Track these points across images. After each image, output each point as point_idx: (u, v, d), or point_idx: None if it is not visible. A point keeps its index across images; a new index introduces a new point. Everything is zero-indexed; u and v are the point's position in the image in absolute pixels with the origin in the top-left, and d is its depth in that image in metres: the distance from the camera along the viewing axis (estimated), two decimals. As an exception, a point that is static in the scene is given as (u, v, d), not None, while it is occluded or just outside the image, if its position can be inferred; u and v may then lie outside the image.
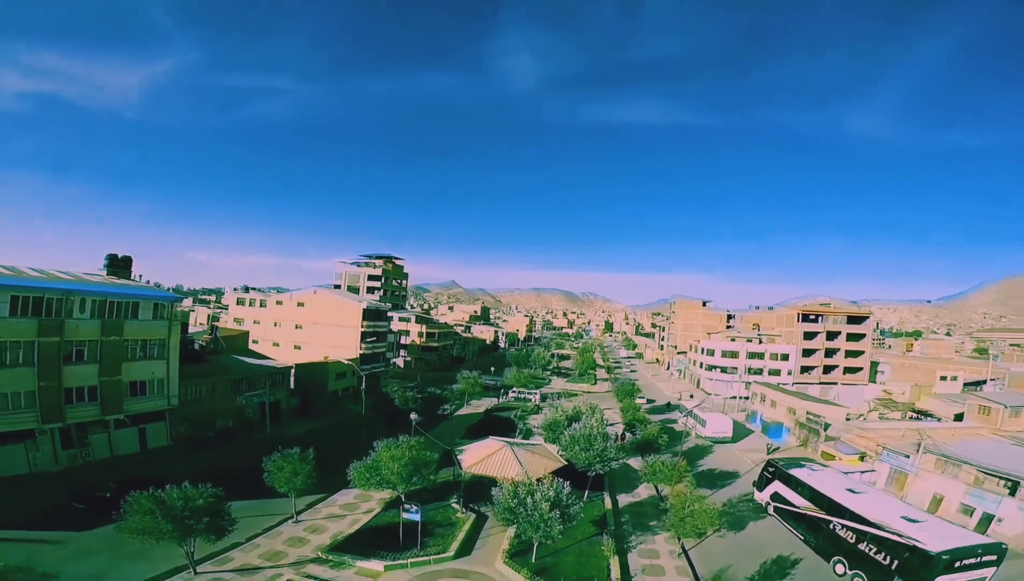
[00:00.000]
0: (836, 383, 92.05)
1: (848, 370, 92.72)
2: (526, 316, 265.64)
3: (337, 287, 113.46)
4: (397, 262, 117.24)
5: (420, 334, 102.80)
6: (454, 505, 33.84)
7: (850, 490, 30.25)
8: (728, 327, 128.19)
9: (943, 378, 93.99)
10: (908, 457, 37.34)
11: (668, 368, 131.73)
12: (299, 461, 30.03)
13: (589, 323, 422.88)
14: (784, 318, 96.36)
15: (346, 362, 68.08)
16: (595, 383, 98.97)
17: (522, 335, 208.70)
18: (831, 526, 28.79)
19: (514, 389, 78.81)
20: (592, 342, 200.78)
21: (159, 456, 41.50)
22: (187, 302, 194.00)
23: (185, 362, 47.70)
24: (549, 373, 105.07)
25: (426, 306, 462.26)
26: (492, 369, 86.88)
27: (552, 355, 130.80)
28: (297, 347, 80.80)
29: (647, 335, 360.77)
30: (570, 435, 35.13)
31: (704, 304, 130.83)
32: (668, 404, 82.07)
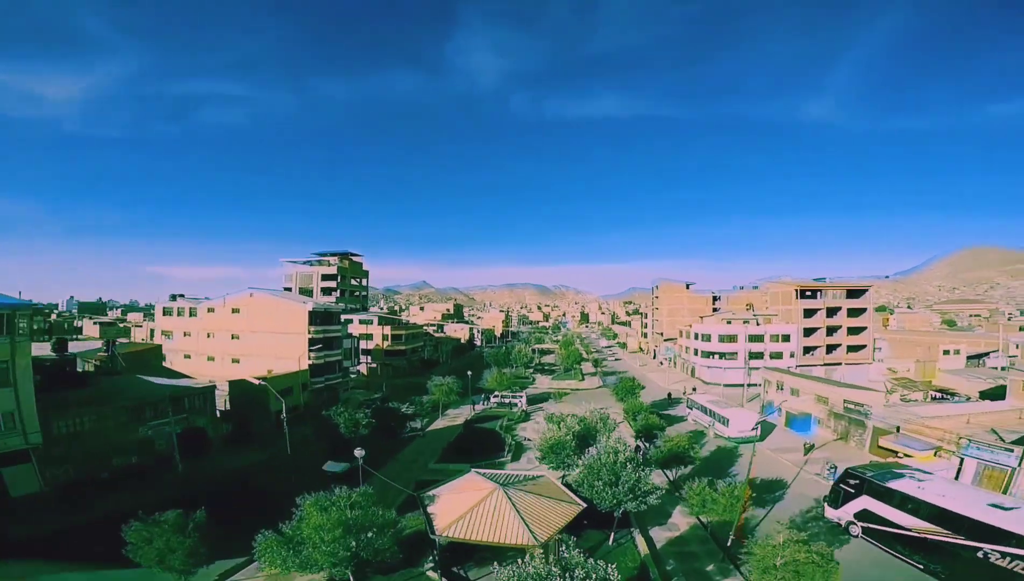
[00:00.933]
0: (840, 363, 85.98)
1: (851, 348, 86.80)
2: (501, 311, 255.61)
3: (288, 290, 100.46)
4: (355, 258, 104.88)
5: (385, 337, 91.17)
6: (429, 574, 23.72)
7: (996, 505, 21.76)
8: (715, 310, 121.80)
9: (946, 352, 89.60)
10: (1011, 451, 29.29)
11: (655, 357, 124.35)
12: (174, 532, 19.27)
13: (564, 315, 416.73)
14: (780, 295, 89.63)
15: (292, 375, 56.34)
16: (583, 379, 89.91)
17: (499, 332, 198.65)
18: (981, 554, 20.30)
19: (496, 393, 68.61)
20: (571, 334, 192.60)
21: (27, 507, 31.24)
22: (135, 317, 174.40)
23: (56, 387, 35.58)
24: (532, 371, 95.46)
25: (397, 308, 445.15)
26: (469, 372, 76.33)
27: (533, 351, 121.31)
28: (235, 361, 68.41)
29: (624, 324, 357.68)
30: (587, 465, 25.28)
31: (688, 287, 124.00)
32: (669, 397, 73.81)
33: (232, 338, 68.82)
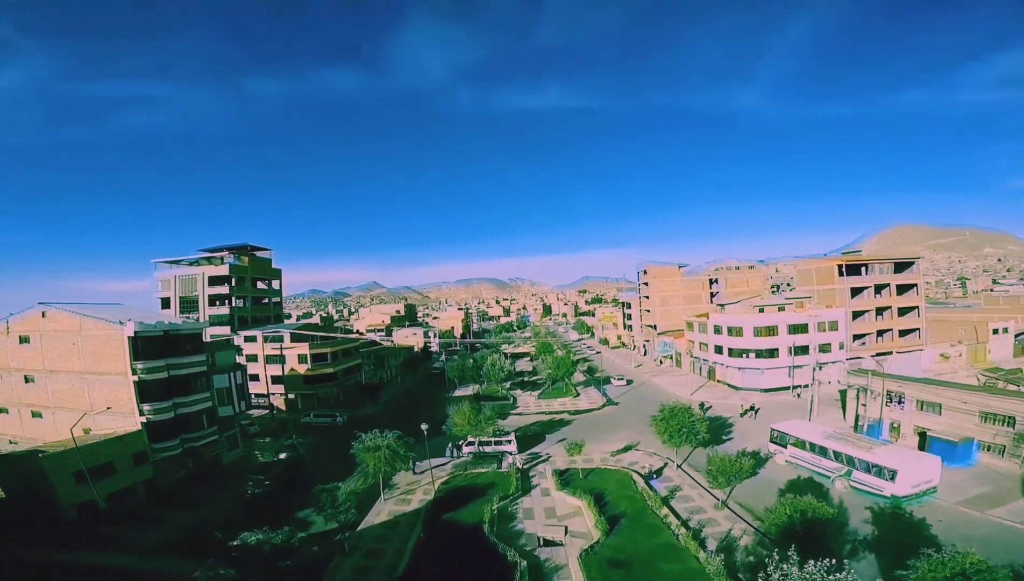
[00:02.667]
0: (891, 352, 69.43)
1: (902, 333, 70.49)
2: (460, 309, 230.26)
3: (165, 304, 72.29)
4: (259, 254, 77.65)
5: (302, 358, 65.42)
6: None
7: None
8: (713, 296, 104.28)
9: (995, 331, 75.46)
10: None
11: (645, 354, 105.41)
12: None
13: (525, 309, 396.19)
14: (816, 274, 71.81)
15: (109, 442, 31.00)
16: (576, 394, 68.47)
17: (459, 333, 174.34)
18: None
19: (469, 440, 45.58)
20: (541, 331, 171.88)
21: None
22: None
23: None
24: (508, 386, 72.69)
25: (346, 312, 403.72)
26: (424, 427, 52.92)
27: (506, 356, 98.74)
28: (36, 415, 41.95)
29: (587, 314, 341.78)
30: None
31: (681, 269, 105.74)
32: (702, 407, 54.99)
33: (27, 381, 41.79)
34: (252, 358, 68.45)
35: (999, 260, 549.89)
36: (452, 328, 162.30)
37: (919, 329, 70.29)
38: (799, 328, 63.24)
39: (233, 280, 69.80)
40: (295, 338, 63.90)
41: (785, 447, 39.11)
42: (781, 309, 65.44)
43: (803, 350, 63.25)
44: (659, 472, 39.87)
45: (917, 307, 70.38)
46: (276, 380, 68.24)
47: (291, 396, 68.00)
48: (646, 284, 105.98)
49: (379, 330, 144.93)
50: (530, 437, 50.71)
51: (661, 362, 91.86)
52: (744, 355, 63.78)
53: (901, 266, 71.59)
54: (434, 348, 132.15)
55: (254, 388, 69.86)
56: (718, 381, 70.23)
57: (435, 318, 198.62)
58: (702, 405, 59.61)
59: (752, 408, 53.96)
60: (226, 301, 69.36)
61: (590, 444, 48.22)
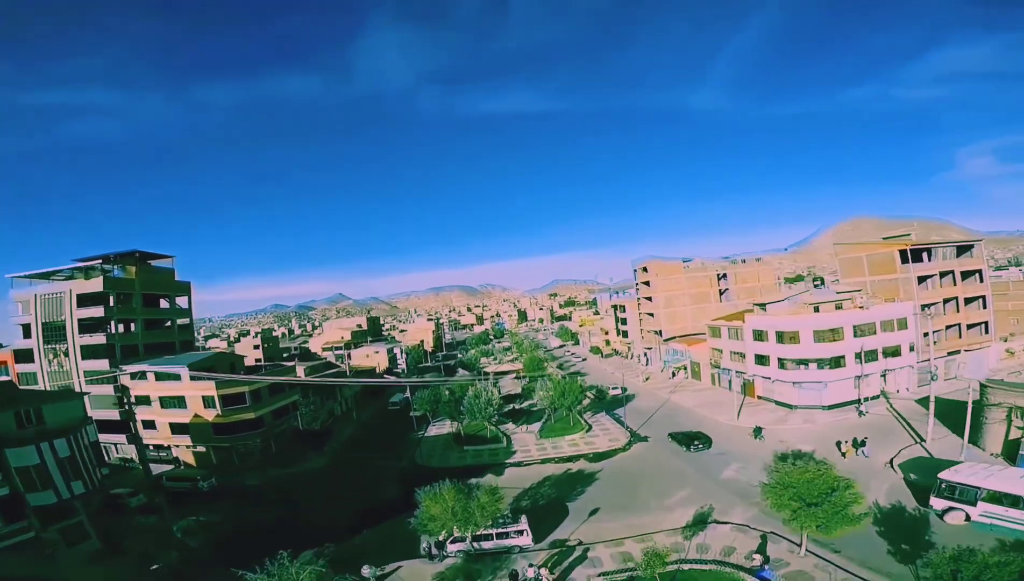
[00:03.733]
0: (959, 351, 57.32)
1: (970, 326, 58.54)
2: (430, 319, 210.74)
3: (27, 332, 52.87)
4: (155, 262, 58.31)
5: (209, 402, 47.05)
6: None
7: None
8: (722, 292, 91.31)
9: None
10: None
11: (648, 364, 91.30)
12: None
13: (500, 316, 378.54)
14: (871, 261, 58.98)
15: None
16: (587, 428, 52.83)
17: (429, 346, 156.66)
18: None
19: (452, 539, 29.05)
20: (522, 339, 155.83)
21: None
22: None
23: None
24: (495, 420, 55.65)
25: (310, 327, 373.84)
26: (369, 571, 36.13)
27: (491, 378, 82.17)
28: None
29: (563, 318, 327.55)
30: None
31: (685, 265, 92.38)
32: (757, 433, 41.26)
33: None
34: (144, 400, 49.78)
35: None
36: (421, 342, 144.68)
37: (987, 322, 58.49)
38: (866, 330, 49.88)
39: (111, 298, 50.52)
40: (196, 376, 45.49)
41: (972, 503, 25.34)
42: (839, 306, 51.99)
43: (872, 356, 49.99)
44: (766, 558, 25.09)
45: (982, 296, 58.61)
46: (179, 429, 49.65)
47: (200, 449, 49.53)
48: (646, 283, 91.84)
49: (337, 348, 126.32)
50: (545, 509, 34.60)
51: (674, 374, 77.57)
52: (802, 366, 49.79)
53: (964, 248, 59.76)
54: (401, 366, 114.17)
55: (151, 438, 51.29)
56: (759, 398, 56.26)
57: (403, 331, 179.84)
58: (757, 431, 45.32)
59: (859, 441, 39.59)
60: (101, 328, 50.08)
61: (638, 515, 32.81)
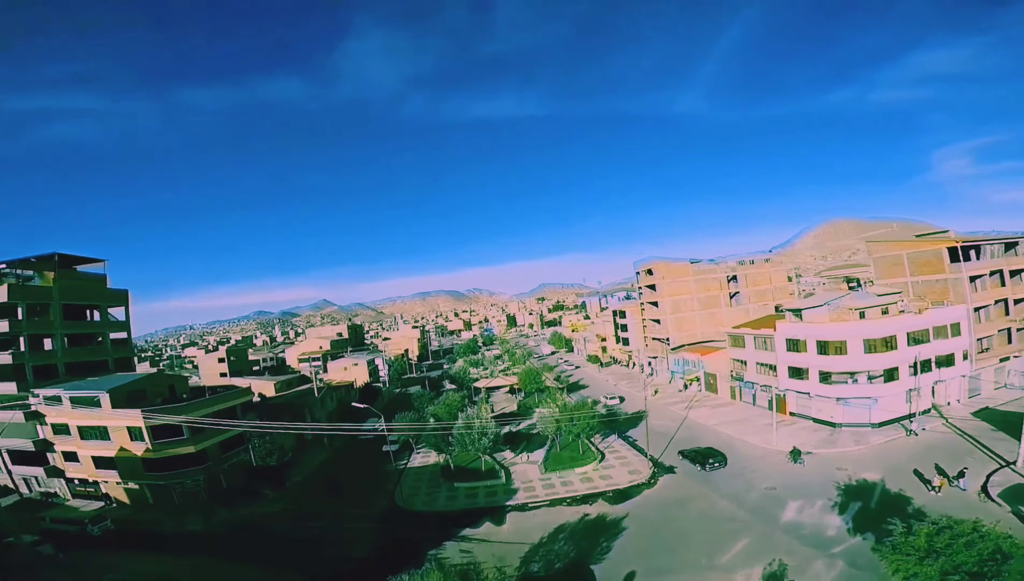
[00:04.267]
0: (1008, 357, 50.98)
1: (1019, 330, 52.21)
2: (415, 327, 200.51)
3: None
4: (82, 267, 48.75)
5: (136, 434, 38.05)
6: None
7: None
8: (733, 295, 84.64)
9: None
10: None
11: (653, 374, 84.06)
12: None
13: (488, 321, 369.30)
14: (913, 260, 52.29)
15: None
16: (600, 456, 44.86)
17: (415, 355, 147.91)
18: None
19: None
20: (515, 348, 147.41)
21: None
22: None
23: None
24: (490, 441, 47.09)
25: (292, 333, 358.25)
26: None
27: (483, 394, 73.88)
28: None
29: (553, 323, 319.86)
30: None
31: (692, 264, 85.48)
32: (795, 455, 34.94)
33: None
34: (61, 430, 40.66)
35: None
36: (406, 351, 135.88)
37: (1042, 326, 52.25)
38: (921, 337, 43.06)
39: (20, 310, 41.16)
40: (117, 403, 36.48)
41: None
42: (885, 311, 45.10)
43: (926, 367, 43.18)
44: None
45: (1034, 297, 52.44)
46: (105, 464, 40.52)
47: (132, 486, 40.44)
48: (651, 287, 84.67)
49: (315, 359, 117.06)
50: (565, 578, 26.58)
51: (686, 386, 70.31)
52: (850, 379, 42.71)
53: (1009, 245, 53.59)
54: (384, 377, 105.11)
55: (76, 472, 42.19)
56: (791, 414, 49.11)
57: (386, 339, 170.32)
58: (795, 454, 38.19)
59: (956, 474, 32.25)
60: (12, 343, 40.74)
61: (687, 575, 25.12)
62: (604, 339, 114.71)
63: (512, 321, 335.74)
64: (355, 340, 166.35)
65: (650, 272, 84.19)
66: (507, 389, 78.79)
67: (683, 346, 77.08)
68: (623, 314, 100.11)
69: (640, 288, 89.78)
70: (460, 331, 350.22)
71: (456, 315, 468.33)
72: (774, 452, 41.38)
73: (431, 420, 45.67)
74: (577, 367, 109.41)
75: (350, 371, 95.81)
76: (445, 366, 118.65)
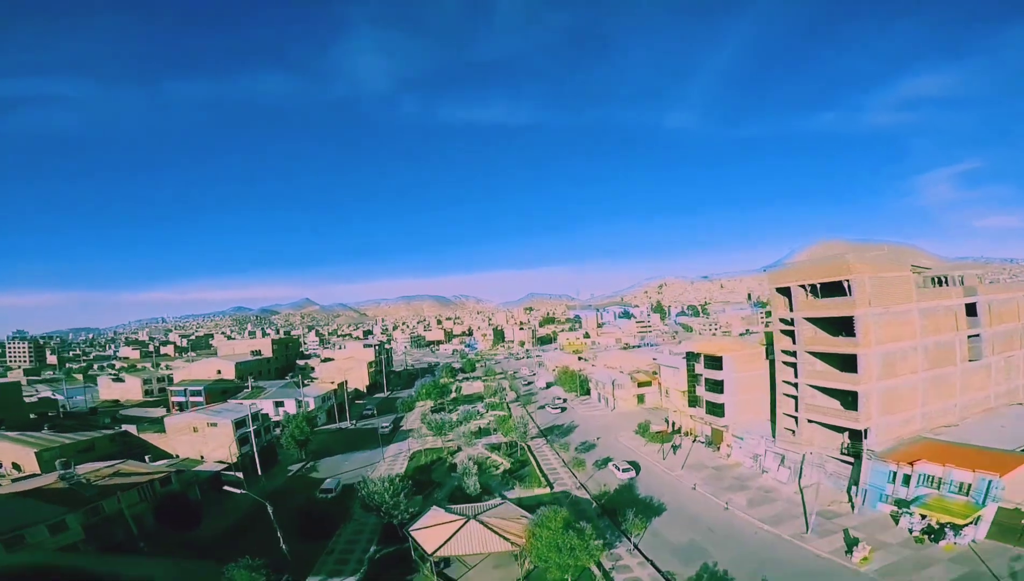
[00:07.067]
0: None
1: None
2: (367, 346, 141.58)
3: None
4: None
5: None
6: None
7: None
8: (970, 338, 41.26)
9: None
10: None
11: (783, 473, 39.68)
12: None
13: (472, 334, 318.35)
14: None
15: None
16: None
17: (364, 385, 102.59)
18: None
19: None
20: (502, 388, 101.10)
21: None
22: None
23: None
24: None
25: (273, 332, 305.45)
26: None
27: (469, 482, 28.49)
28: None
29: (546, 340, 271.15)
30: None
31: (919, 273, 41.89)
32: None
33: None
34: None
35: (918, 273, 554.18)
36: (342, 385, 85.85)
37: None
38: None
39: None
40: None
41: None
42: None
43: None
44: None
45: None
46: None
47: None
48: (816, 322, 40.64)
49: (195, 390, 72.92)
50: None
51: (933, 537, 25.86)
52: None
53: None
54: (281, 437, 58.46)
55: None
56: None
57: (327, 360, 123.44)
58: None
59: None
60: None
61: None
62: (667, 392, 69.71)
63: (500, 336, 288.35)
64: (283, 360, 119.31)
65: (839, 289, 39.69)
66: (498, 466, 33.89)
67: (899, 446, 33.14)
68: (716, 362, 54.91)
69: (765, 318, 45.76)
70: (439, 343, 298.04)
71: (439, 323, 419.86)
72: None
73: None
74: (599, 437, 63.89)
75: (202, 436, 49.87)
76: (400, 413, 72.38)
